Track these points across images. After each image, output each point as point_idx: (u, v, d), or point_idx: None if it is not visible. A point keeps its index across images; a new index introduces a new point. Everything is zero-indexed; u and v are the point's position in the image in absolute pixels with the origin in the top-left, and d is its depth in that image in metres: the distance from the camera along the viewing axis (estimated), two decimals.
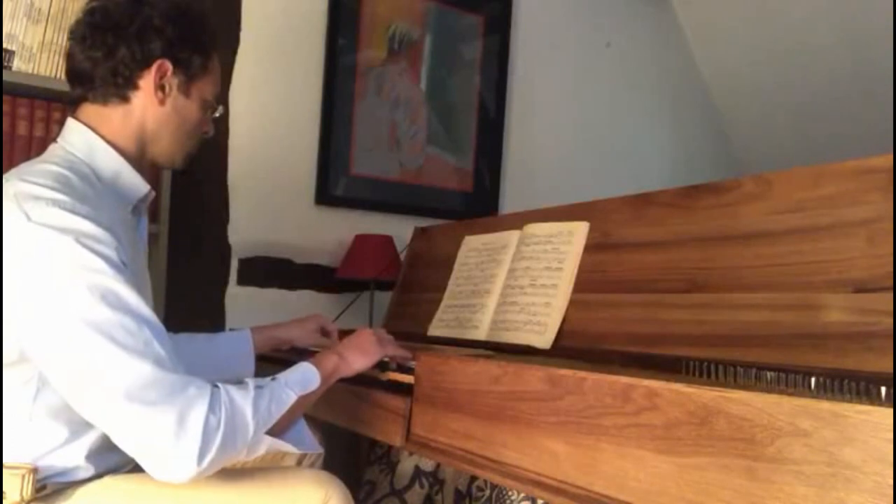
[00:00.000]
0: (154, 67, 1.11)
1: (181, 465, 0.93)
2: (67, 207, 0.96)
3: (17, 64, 1.67)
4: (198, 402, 0.93)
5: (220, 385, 0.98)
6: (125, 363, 0.92)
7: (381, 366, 1.33)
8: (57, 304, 0.93)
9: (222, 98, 2.16)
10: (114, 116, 1.12)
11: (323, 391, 1.14)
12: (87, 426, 1.04)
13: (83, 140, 1.11)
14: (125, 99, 1.11)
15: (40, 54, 1.69)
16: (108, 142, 1.11)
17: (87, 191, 1.03)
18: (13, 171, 1.05)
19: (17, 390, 1.02)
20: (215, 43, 1.19)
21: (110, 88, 1.10)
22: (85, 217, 0.96)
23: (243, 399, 0.98)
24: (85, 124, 1.12)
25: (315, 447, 1.12)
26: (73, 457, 1.07)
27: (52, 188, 0.98)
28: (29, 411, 1.02)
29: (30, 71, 1.68)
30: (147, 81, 1.11)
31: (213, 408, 0.94)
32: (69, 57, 1.13)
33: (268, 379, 1.07)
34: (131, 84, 1.11)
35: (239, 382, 1.03)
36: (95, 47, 1.09)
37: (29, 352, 0.97)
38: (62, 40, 1.71)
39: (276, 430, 1.04)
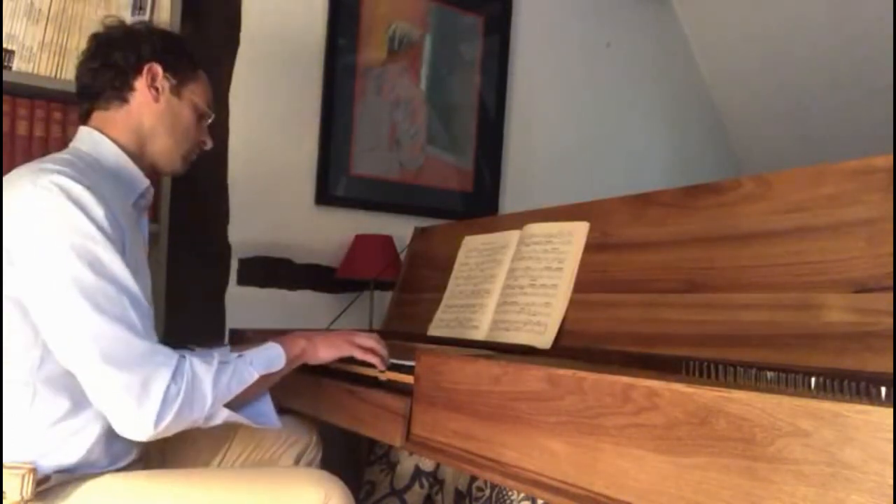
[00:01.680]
0: (145, 69, 1.25)
1: (140, 426, 1.02)
2: (69, 175, 1.07)
3: (17, 64, 1.66)
4: (162, 371, 1.03)
5: (186, 356, 1.07)
6: (101, 325, 1.01)
7: (355, 360, 1.32)
8: (48, 261, 1.02)
9: (222, 100, 2.17)
10: (116, 117, 1.25)
11: (286, 372, 1.21)
12: (88, 401, 1.09)
13: (89, 136, 1.24)
14: (125, 100, 1.25)
15: (40, 54, 1.69)
16: (111, 138, 1.24)
17: (90, 171, 1.13)
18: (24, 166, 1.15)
19: (20, 357, 1.07)
20: (198, 59, 1.34)
21: (111, 93, 1.24)
22: (85, 187, 1.06)
23: (205, 373, 1.07)
24: (92, 127, 1.25)
25: (275, 422, 1.20)
26: (75, 433, 1.10)
27: (59, 164, 1.10)
28: (33, 381, 1.07)
29: (30, 71, 1.68)
30: (141, 83, 1.25)
31: (175, 378, 1.03)
32: (76, 80, 1.28)
33: (234, 355, 1.14)
34: (128, 86, 1.24)
35: (206, 355, 1.11)
36: (94, 60, 1.25)
37: (28, 305, 1.05)
38: (62, 40, 1.71)
39: (236, 403, 1.12)
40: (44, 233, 1.03)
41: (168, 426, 1.03)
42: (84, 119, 1.27)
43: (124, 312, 1.03)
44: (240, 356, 1.15)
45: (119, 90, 1.24)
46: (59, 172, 1.06)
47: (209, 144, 1.38)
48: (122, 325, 1.02)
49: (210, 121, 1.36)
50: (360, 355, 1.29)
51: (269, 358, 1.18)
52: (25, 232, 1.04)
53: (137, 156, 1.26)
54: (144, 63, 1.24)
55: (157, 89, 1.25)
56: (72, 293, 1.01)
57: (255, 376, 1.13)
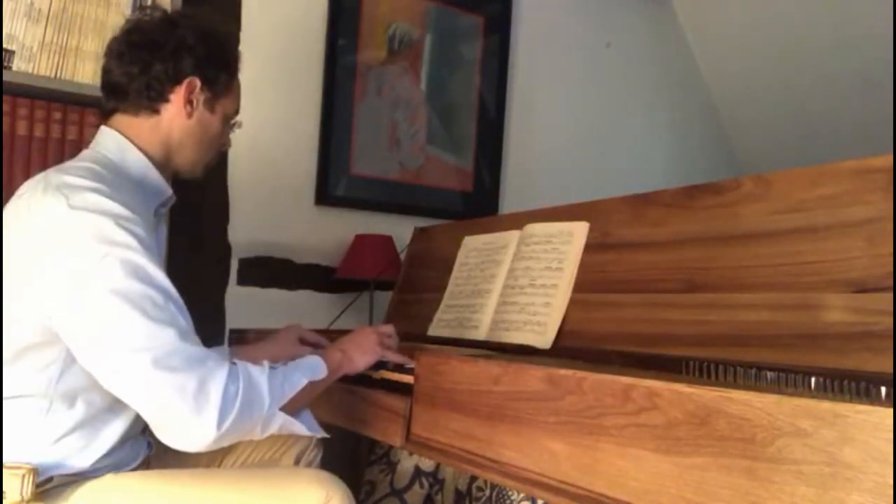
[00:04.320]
0: (184, 84, 1.20)
1: (201, 430, 0.98)
2: (104, 193, 1.04)
3: (17, 64, 1.66)
4: (217, 372, 1.00)
5: (236, 361, 1.05)
6: (152, 331, 0.98)
7: (379, 365, 1.33)
8: (93, 277, 0.99)
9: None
10: (144, 126, 1.20)
11: (328, 384, 1.20)
12: (105, 414, 1.09)
13: (115, 143, 1.19)
14: (155, 111, 1.20)
15: (40, 54, 1.69)
16: (137, 147, 1.20)
17: (117, 182, 1.10)
18: (47, 171, 1.13)
19: (36, 374, 1.06)
20: (238, 64, 1.30)
21: (143, 101, 1.19)
22: (118, 202, 1.04)
23: (259, 374, 1.06)
24: (117, 131, 1.20)
25: (321, 432, 1.18)
26: (85, 446, 1.09)
27: (88, 178, 1.07)
28: (50, 396, 1.06)
29: (30, 71, 1.68)
30: (177, 96, 1.20)
31: (231, 377, 1.01)
32: (106, 72, 1.21)
33: (279, 364, 1.13)
34: (163, 97, 1.19)
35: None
36: (132, 63, 1.18)
37: (60, 327, 1.01)
38: (62, 40, 1.71)
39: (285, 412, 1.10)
40: (83, 250, 1.00)
41: (229, 429, 0.99)
42: (106, 116, 1.22)
43: (173, 318, 1.01)
44: (284, 364, 1.14)
45: (152, 101, 1.19)
46: (92, 190, 1.04)
47: (229, 145, 1.35)
48: (174, 330, 0.99)
49: (237, 126, 1.34)
50: (391, 358, 1.30)
51: (311, 366, 1.17)
52: (60, 251, 1.01)
53: (162, 165, 1.23)
54: (184, 77, 1.19)
55: (191, 104, 1.21)
56: (118, 304, 0.98)
57: (304, 381, 1.12)
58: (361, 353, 1.28)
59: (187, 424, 0.98)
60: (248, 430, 1.04)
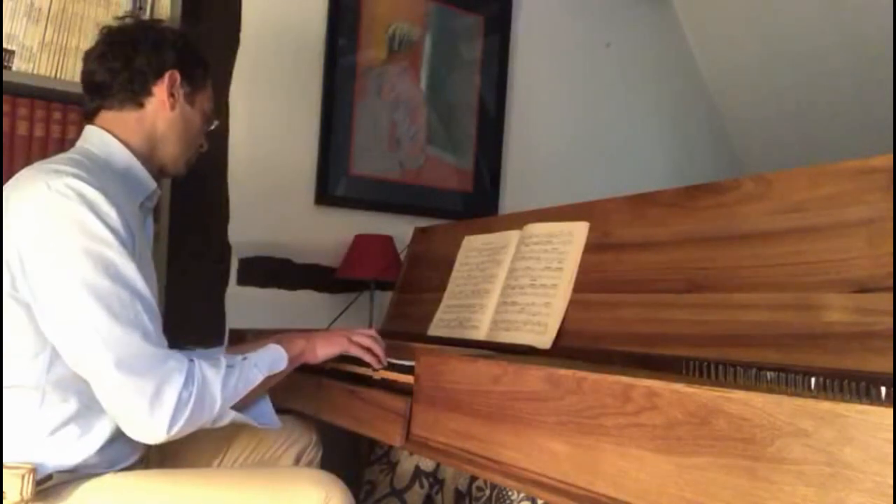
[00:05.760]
0: (167, 76, 1.24)
1: (153, 431, 1.03)
2: (84, 179, 1.06)
3: (17, 64, 1.66)
4: (174, 376, 1.03)
5: (195, 360, 1.08)
6: (116, 331, 1.02)
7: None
8: (62, 267, 1.03)
9: (222, 100, 2.17)
10: (128, 119, 1.24)
11: (287, 373, 1.23)
12: (98, 406, 1.09)
13: (99, 138, 1.22)
14: (140, 105, 1.24)
15: (40, 54, 1.69)
16: (122, 141, 1.23)
17: (100, 173, 1.12)
18: (32, 164, 1.15)
19: (28, 363, 1.07)
20: (209, 66, 1.34)
21: (127, 95, 1.23)
22: (98, 190, 1.06)
23: (214, 376, 1.09)
24: (101, 128, 1.23)
25: (275, 423, 1.23)
26: (81, 436, 1.10)
27: (69, 165, 1.09)
28: (42, 385, 1.08)
29: (30, 71, 1.68)
30: (160, 89, 1.24)
31: (187, 383, 1.04)
32: (87, 74, 1.25)
33: (239, 357, 1.16)
34: (146, 91, 1.24)
35: (210, 356, 1.13)
36: (115, 59, 1.22)
37: (34, 305, 1.04)
38: (62, 40, 1.71)
39: (240, 404, 1.14)
40: (58, 237, 1.03)
41: (180, 430, 1.04)
42: (90, 116, 1.25)
43: (138, 318, 1.04)
44: (244, 358, 1.16)
45: (136, 94, 1.23)
46: (73, 175, 1.06)
47: (205, 146, 1.39)
48: (136, 331, 1.03)
49: (213, 127, 1.38)
50: (356, 352, 1.31)
51: (272, 359, 1.20)
52: (39, 236, 1.04)
53: (146, 159, 1.25)
54: (166, 70, 1.24)
55: (173, 97, 1.25)
56: (87, 298, 1.01)
57: (260, 378, 1.16)
58: (325, 343, 1.30)
59: (141, 422, 1.03)
60: (199, 426, 1.08)
